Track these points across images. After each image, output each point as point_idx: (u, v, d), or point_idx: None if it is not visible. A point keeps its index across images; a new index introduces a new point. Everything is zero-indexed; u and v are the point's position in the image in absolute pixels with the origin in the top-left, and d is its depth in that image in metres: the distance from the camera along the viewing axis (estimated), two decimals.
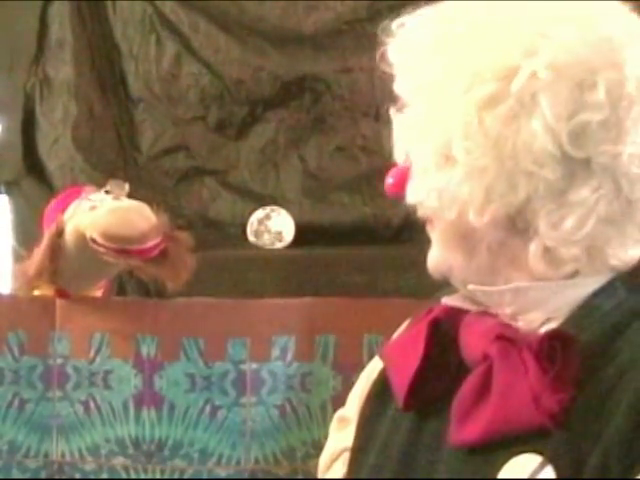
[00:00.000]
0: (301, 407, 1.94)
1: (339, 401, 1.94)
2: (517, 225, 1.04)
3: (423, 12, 1.09)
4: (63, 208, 2.02)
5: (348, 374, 1.94)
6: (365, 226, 3.48)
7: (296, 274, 3.27)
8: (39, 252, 1.98)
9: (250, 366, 1.94)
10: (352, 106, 3.52)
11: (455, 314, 1.11)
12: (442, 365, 1.10)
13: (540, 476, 0.98)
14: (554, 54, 1.00)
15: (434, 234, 1.11)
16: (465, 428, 1.03)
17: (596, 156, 1.00)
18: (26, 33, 3.55)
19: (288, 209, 3.48)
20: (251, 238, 3.47)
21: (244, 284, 3.24)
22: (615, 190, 1.01)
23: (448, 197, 1.04)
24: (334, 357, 1.95)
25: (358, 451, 1.20)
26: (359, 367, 1.93)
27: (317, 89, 3.57)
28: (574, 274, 1.05)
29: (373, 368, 1.27)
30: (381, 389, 1.19)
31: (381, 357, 1.21)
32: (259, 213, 3.48)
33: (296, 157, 3.58)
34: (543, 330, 1.04)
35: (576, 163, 1.01)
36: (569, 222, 1.01)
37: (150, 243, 1.92)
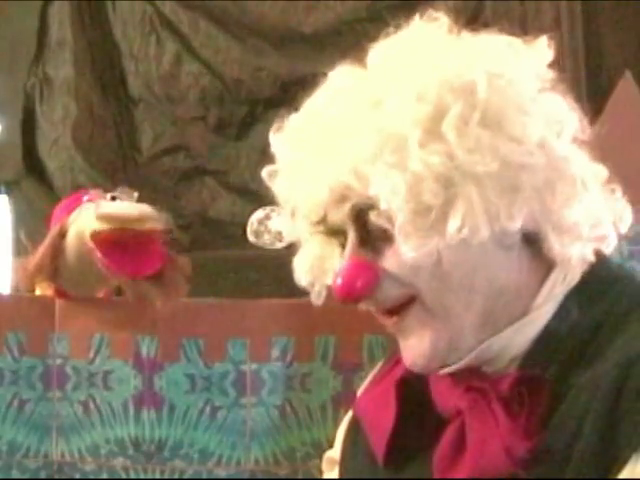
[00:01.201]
0: (301, 407, 1.94)
1: (339, 401, 1.94)
2: (509, 235, 1.04)
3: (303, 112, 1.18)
4: (70, 211, 2.02)
5: (348, 374, 1.94)
6: None
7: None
8: (41, 250, 1.98)
9: (250, 366, 1.94)
10: None
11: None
12: (418, 419, 1.11)
13: None
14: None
15: (422, 308, 1.07)
16: None
17: None
18: (26, 33, 3.55)
19: None
20: (251, 238, 3.46)
21: (244, 284, 3.24)
22: None
23: (468, 217, 1.03)
24: (334, 357, 1.95)
25: None
26: (359, 367, 1.94)
27: (317, 89, 3.57)
28: (528, 307, 1.06)
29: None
30: (354, 431, 1.21)
31: (354, 411, 1.21)
32: (259, 213, 3.47)
33: None
34: (510, 370, 1.05)
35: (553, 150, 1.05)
36: (568, 191, 1.05)
37: (148, 225, 1.90)
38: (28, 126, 3.57)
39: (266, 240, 3.72)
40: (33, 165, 3.57)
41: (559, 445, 1.00)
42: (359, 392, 1.27)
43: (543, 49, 1.07)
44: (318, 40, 3.57)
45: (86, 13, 3.60)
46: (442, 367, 1.08)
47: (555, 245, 1.04)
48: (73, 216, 1.99)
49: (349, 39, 3.54)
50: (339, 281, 1.09)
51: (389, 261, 1.05)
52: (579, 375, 1.02)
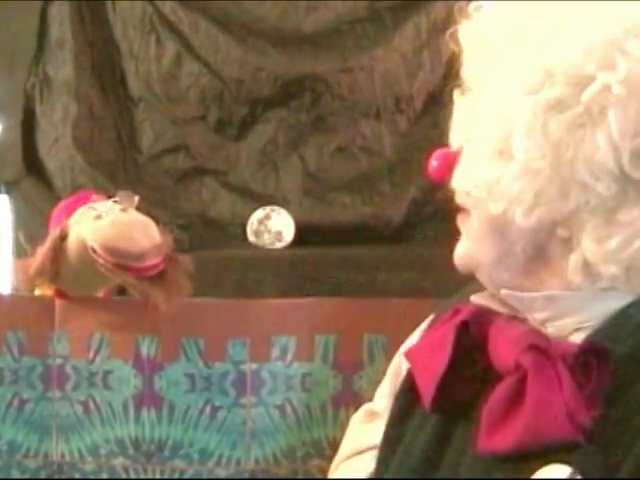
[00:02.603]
0: (301, 407, 1.94)
1: (339, 401, 1.95)
2: (559, 233, 1.03)
3: (503, 2, 1.07)
4: (69, 212, 2.02)
5: (348, 374, 1.94)
6: (365, 226, 3.48)
7: (296, 274, 3.26)
8: (41, 252, 1.98)
9: (250, 366, 1.94)
10: (352, 106, 3.52)
11: (483, 316, 1.10)
12: (469, 369, 1.09)
13: None
14: (630, 71, 0.98)
15: (468, 226, 1.09)
16: (495, 436, 1.02)
17: None
18: (26, 33, 3.55)
19: (288, 209, 3.48)
20: (251, 238, 3.46)
21: (244, 284, 3.24)
22: None
23: (498, 192, 1.03)
24: (334, 357, 1.95)
25: (386, 449, 1.20)
26: (359, 367, 1.95)
27: (317, 89, 3.57)
28: (609, 288, 1.04)
29: (398, 364, 1.26)
30: (408, 388, 1.19)
31: (407, 358, 1.20)
32: (259, 213, 3.48)
33: (296, 157, 3.58)
34: (574, 338, 1.04)
35: (632, 183, 0.99)
36: (614, 241, 1.00)
37: (149, 262, 1.91)
38: (28, 126, 3.57)
39: (266, 240, 3.73)
40: (33, 165, 3.56)
41: (622, 425, 0.98)
42: (407, 345, 1.25)
43: None
44: (318, 40, 3.57)
45: (86, 13, 3.60)
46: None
47: (571, 272, 1.04)
48: (74, 219, 2.00)
49: (349, 39, 3.54)
50: (433, 163, 1.12)
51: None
52: None
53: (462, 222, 1.11)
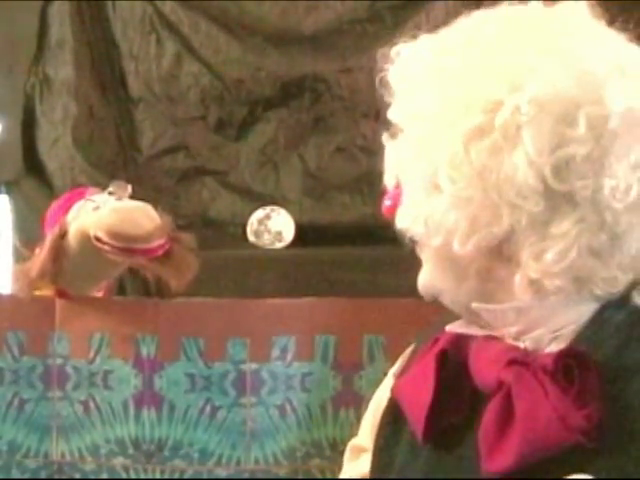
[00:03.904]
0: (301, 407, 1.94)
1: (339, 401, 1.95)
2: (503, 253, 1.05)
3: (420, 41, 1.11)
4: (66, 210, 2.02)
5: (348, 374, 1.94)
6: (365, 226, 3.48)
7: (296, 274, 3.26)
8: (41, 254, 1.97)
9: (250, 366, 1.94)
10: (352, 106, 3.52)
11: (461, 341, 1.11)
12: (456, 395, 1.10)
13: None
14: (537, 89, 1.00)
15: (424, 257, 1.12)
16: (495, 458, 1.02)
17: (579, 190, 1.00)
18: (26, 33, 3.55)
19: (288, 209, 3.48)
20: (251, 238, 3.46)
21: (244, 284, 3.24)
22: (599, 223, 1.01)
23: (434, 225, 1.05)
24: (334, 357, 1.95)
25: (379, 474, 1.20)
26: (359, 367, 1.95)
27: (317, 89, 3.57)
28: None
29: (381, 397, 1.27)
30: (393, 418, 1.19)
31: (392, 393, 1.21)
32: (259, 213, 3.48)
33: (296, 157, 3.58)
34: (552, 348, 1.04)
35: (559, 196, 1.01)
36: (550, 254, 1.01)
37: (155, 243, 1.92)
38: (28, 126, 3.57)
39: (266, 240, 3.73)
40: (33, 165, 3.56)
41: (625, 429, 0.98)
42: (391, 376, 1.26)
43: None
44: (318, 40, 3.57)
45: (86, 13, 3.59)
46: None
47: (518, 289, 1.05)
48: (71, 214, 1.99)
49: (349, 39, 3.54)
50: (386, 202, 1.15)
51: None
52: (630, 357, 1.01)
53: (419, 253, 1.13)
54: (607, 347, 1.02)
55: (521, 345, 1.06)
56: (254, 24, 3.59)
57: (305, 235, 3.45)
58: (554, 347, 1.04)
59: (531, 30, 1.05)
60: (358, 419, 1.71)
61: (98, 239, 1.90)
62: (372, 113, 3.47)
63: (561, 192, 1.00)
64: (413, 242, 1.14)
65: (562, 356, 1.01)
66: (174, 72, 3.60)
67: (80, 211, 1.99)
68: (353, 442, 1.35)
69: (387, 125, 1.13)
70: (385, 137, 1.13)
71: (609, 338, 1.03)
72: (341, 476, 1.38)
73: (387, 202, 1.15)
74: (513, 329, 1.07)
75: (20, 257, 2.06)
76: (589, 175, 1.00)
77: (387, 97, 1.13)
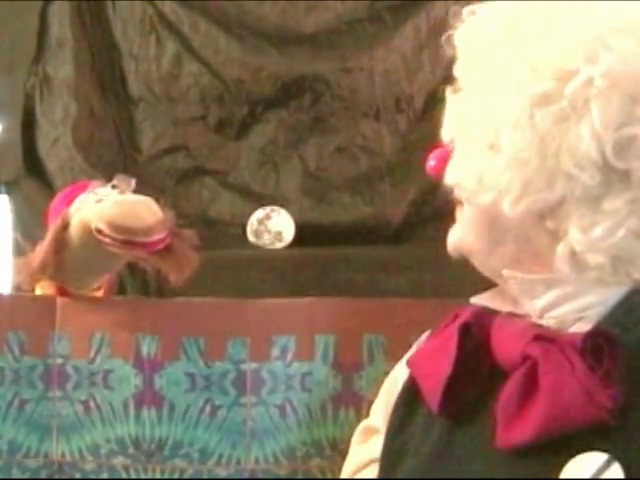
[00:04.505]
0: (301, 407, 1.94)
1: (339, 401, 1.95)
2: (547, 223, 1.05)
3: (495, 3, 1.11)
4: (69, 202, 2.02)
5: (348, 374, 1.94)
6: (365, 226, 3.48)
7: (296, 274, 3.27)
8: (43, 246, 1.97)
9: (250, 366, 1.94)
10: (352, 106, 3.52)
11: (483, 317, 1.12)
12: (474, 369, 1.10)
13: (607, 474, 0.97)
14: (612, 64, 1.01)
15: (463, 216, 1.13)
16: (513, 430, 1.02)
17: (636, 170, 1.02)
18: (26, 33, 3.55)
19: (288, 209, 3.48)
20: (251, 238, 3.47)
21: (244, 284, 3.24)
22: None
23: (487, 183, 1.06)
24: (334, 357, 1.95)
25: (391, 458, 1.20)
26: (359, 367, 1.95)
27: (317, 89, 3.57)
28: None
29: (395, 378, 1.27)
30: (408, 398, 1.19)
31: (409, 366, 1.21)
32: (259, 213, 3.48)
33: (296, 157, 3.58)
34: (575, 329, 1.04)
35: (616, 173, 1.02)
36: (599, 229, 1.02)
37: (156, 237, 1.92)
38: (28, 126, 3.57)
39: (266, 240, 3.72)
40: (33, 165, 3.56)
41: None
42: (410, 354, 1.26)
43: None
44: (318, 40, 3.57)
45: (86, 13, 3.60)
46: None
47: (559, 261, 1.06)
48: (74, 207, 2.00)
49: (349, 39, 3.54)
50: (431, 162, 1.16)
51: None
52: None
53: (459, 212, 1.15)
54: (634, 332, 1.02)
55: (544, 324, 1.06)
56: (254, 24, 3.59)
57: (305, 235, 3.46)
58: (578, 328, 1.04)
59: (608, 5, 1.06)
60: (358, 419, 1.72)
61: (99, 231, 1.90)
62: (372, 113, 3.48)
63: (618, 170, 1.02)
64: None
65: (592, 335, 1.01)
66: (174, 72, 3.61)
67: (83, 203, 1.99)
68: (364, 423, 1.35)
69: (450, 80, 1.13)
70: (448, 92, 1.14)
71: (635, 325, 1.03)
72: (348, 458, 1.37)
73: (432, 161, 1.15)
74: (539, 304, 1.07)
75: (21, 253, 2.06)
76: None
77: (450, 52, 1.14)
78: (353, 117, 3.54)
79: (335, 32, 3.56)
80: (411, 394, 1.18)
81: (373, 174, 3.47)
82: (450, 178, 1.11)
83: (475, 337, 1.10)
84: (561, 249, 1.04)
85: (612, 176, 1.01)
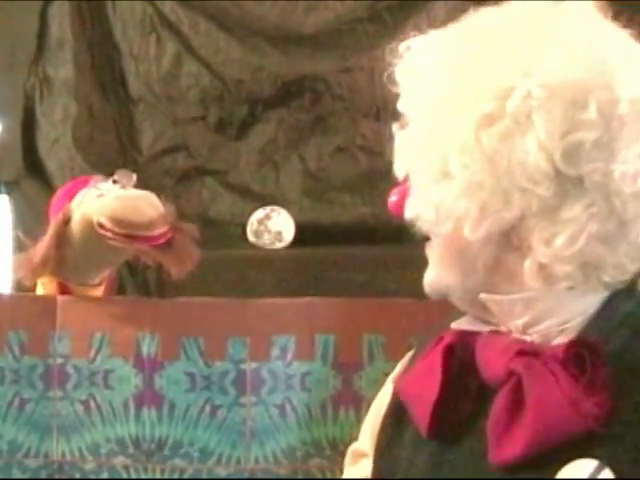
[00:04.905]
0: (301, 407, 1.94)
1: (339, 401, 1.95)
2: (512, 241, 1.06)
3: (429, 35, 1.12)
4: (70, 197, 2.02)
5: (348, 374, 1.94)
6: (365, 226, 3.49)
7: (296, 274, 3.27)
8: (45, 241, 1.98)
9: (250, 366, 1.94)
10: (352, 106, 3.53)
11: (466, 338, 1.12)
12: (462, 389, 1.10)
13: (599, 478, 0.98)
14: (548, 74, 1.02)
15: (431, 253, 1.13)
16: (505, 447, 1.02)
17: (589, 174, 1.02)
18: (26, 33, 3.55)
19: (288, 209, 3.48)
20: (251, 238, 3.47)
21: (244, 284, 3.24)
22: (608, 209, 1.02)
23: (444, 211, 1.06)
24: (334, 357, 1.95)
25: (380, 474, 1.20)
26: (359, 367, 1.95)
27: (317, 89, 3.57)
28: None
29: (381, 402, 1.27)
30: (395, 419, 1.19)
31: (396, 391, 1.21)
32: (259, 213, 3.48)
33: (296, 157, 3.59)
34: (558, 342, 1.04)
35: (569, 181, 1.02)
36: (561, 239, 1.02)
37: (157, 231, 1.92)
38: (28, 126, 3.57)
39: (266, 240, 3.71)
40: (33, 165, 3.57)
41: (630, 410, 0.99)
42: (392, 378, 1.26)
43: None
44: (318, 40, 3.57)
45: (86, 13, 3.60)
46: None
47: (527, 275, 1.06)
48: (76, 201, 2.00)
49: (349, 39, 3.54)
50: (392, 198, 1.17)
51: None
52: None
53: (428, 251, 1.14)
54: (616, 338, 1.02)
55: (528, 339, 1.06)
56: (254, 24, 3.59)
57: (305, 235, 3.46)
58: (561, 340, 1.04)
59: (540, 23, 1.07)
60: (358, 419, 1.72)
61: (101, 225, 1.90)
62: (372, 113, 3.48)
63: (571, 177, 1.02)
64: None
65: (573, 345, 1.01)
66: (174, 72, 3.61)
67: (84, 198, 1.99)
68: (353, 447, 1.35)
69: (396, 117, 1.14)
70: (394, 128, 1.14)
71: (618, 329, 1.03)
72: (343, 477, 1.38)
73: (393, 197, 1.16)
74: (520, 322, 1.07)
75: (22, 250, 2.06)
76: (599, 160, 1.01)
77: (395, 90, 1.14)
78: (353, 117, 3.54)
79: (335, 32, 3.57)
80: (397, 415, 1.19)
81: (373, 174, 3.48)
82: (409, 212, 1.11)
83: (460, 358, 1.10)
84: (528, 264, 1.04)
85: (566, 184, 1.01)
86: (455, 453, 1.09)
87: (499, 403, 1.04)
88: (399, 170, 1.13)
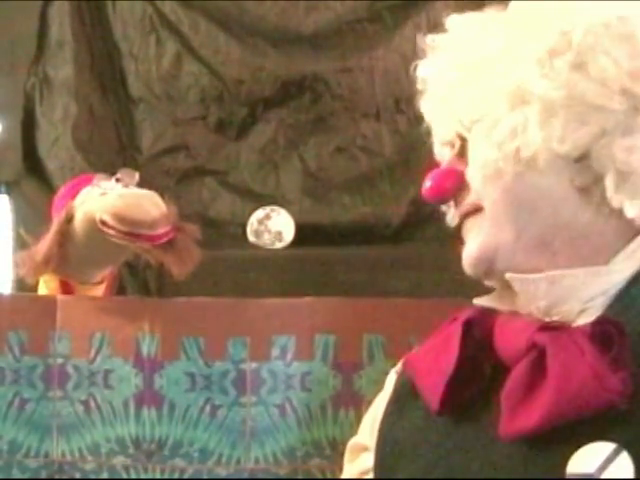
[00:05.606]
0: (301, 406, 1.94)
1: (339, 401, 1.95)
2: (590, 168, 1.07)
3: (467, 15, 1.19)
4: (73, 195, 2.03)
5: (348, 374, 1.94)
6: (365, 226, 3.49)
7: (296, 274, 3.27)
8: (47, 238, 1.98)
9: (250, 365, 1.94)
10: (352, 106, 3.53)
11: (486, 315, 1.11)
12: (476, 368, 1.09)
13: (615, 464, 0.96)
14: (598, 18, 1.10)
15: (479, 220, 1.13)
16: (518, 417, 1.01)
17: None
18: (26, 33, 3.55)
19: (288, 209, 3.48)
20: (251, 238, 3.47)
21: (244, 284, 3.24)
22: None
23: (526, 135, 1.08)
24: (334, 357, 1.95)
25: (385, 457, 1.19)
26: (359, 367, 1.95)
27: (317, 89, 3.57)
28: (608, 260, 1.07)
29: (383, 396, 1.27)
30: (400, 404, 1.19)
31: (406, 366, 1.20)
32: (259, 213, 3.48)
33: (296, 157, 3.59)
34: (579, 322, 1.04)
35: (638, 97, 1.07)
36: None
37: (160, 230, 1.92)
38: (28, 126, 3.57)
39: (266, 240, 3.71)
40: (33, 165, 3.57)
41: None
42: (393, 374, 1.26)
43: None
44: (318, 40, 3.57)
45: (86, 13, 3.60)
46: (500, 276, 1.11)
47: (610, 192, 1.07)
48: (78, 200, 2.00)
49: (349, 39, 3.54)
50: (427, 183, 1.16)
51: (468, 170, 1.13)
52: None
53: (471, 225, 1.14)
54: (632, 328, 1.02)
55: (548, 320, 1.07)
56: (254, 24, 3.59)
57: (305, 235, 3.46)
58: (582, 321, 1.04)
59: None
60: (358, 419, 1.72)
61: (104, 223, 1.90)
62: (372, 113, 3.48)
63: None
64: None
65: (601, 322, 1.01)
66: (174, 72, 3.61)
67: (87, 197, 1.99)
68: (352, 442, 1.35)
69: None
70: (429, 106, 1.20)
71: (634, 319, 1.03)
72: (342, 476, 1.37)
73: (428, 182, 1.16)
74: (543, 303, 1.07)
75: (24, 248, 2.06)
76: None
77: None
78: (353, 117, 3.54)
79: (335, 32, 3.57)
80: (401, 399, 1.18)
81: (373, 174, 3.48)
82: (483, 154, 1.11)
83: (477, 336, 1.09)
84: (610, 179, 1.06)
85: (637, 100, 1.07)
86: (465, 431, 1.09)
87: (517, 373, 1.03)
88: (457, 127, 1.16)
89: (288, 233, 3.45)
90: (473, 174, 1.12)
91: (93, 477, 1.96)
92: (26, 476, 1.97)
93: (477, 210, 1.13)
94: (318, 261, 3.34)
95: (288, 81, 3.57)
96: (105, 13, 3.62)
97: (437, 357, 1.12)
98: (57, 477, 1.97)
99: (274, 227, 3.46)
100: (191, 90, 3.60)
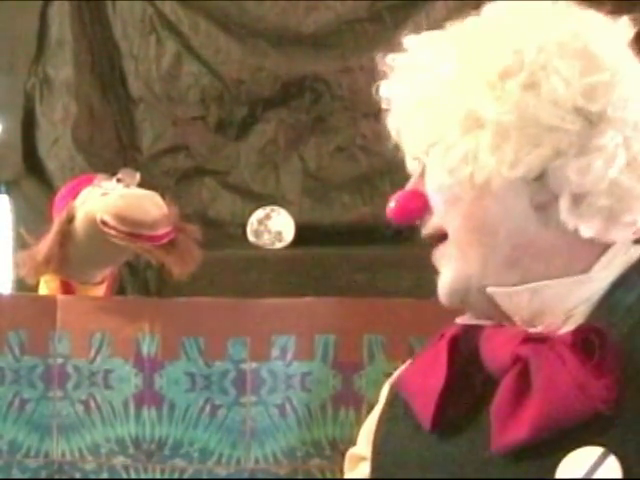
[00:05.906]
0: (301, 406, 1.94)
1: (339, 400, 1.95)
2: (546, 187, 1.07)
3: (422, 36, 1.19)
4: (74, 195, 2.03)
5: (348, 374, 1.94)
6: (365, 226, 3.48)
7: (296, 274, 3.27)
8: (48, 238, 1.98)
9: (250, 365, 1.94)
10: (352, 106, 3.52)
11: (470, 331, 1.12)
12: (466, 382, 1.10)
13: (603, 468, 0.97)
14: (551, 34, 1.09)
15: (445, 250, 1.12)
16: (509, 431, 1.02)
17: (608, 109, 1.07)
18: (26, 33, 3.55)
19: (288, 209, 3.48)
20: (251, 238, 3.47)
21: (244, 284, 3.24)
22: (631, 140, 1.07)
23: (479, 160, 1.07)
24: (334, 357, 1.95)
25: (380, 469, 1.20)
26: (359, 367, 1.95)
27: (317, 89, 3.57)
28: (587, 269, 1.07)
29: (378, 409, 1.27)
30: (392, 416, 1.19)
31: (396, 386, 1.20)
32: (259, 213, 3.48)
33: (296, 157, 3.59)
34: (563, 331, 1.05)
35: (593, 115, 1.06)
36: (597, 164, 1.05)
37: (161, 230, 1.93)
38: (28, 126, 3.57)
39: (266, 240, 3.72)
40: (33, 165, 3.56)
41: (635, 397, 0.99)
42: (396, 375, 1.26)
43: (624, 27, 1.13)
44: (318, 40, 3.57)
45: (86, 13, 3.60)
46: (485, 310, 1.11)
47: (564, 215, 1.07)
48: (79, 200, 2.00)
49: (349, 39, 3.54)
50: (391, 204, 1.16)
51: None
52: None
53: (440, 255, 1.14)
54: (619, 330, 1.03)
55: (533, 330, 1.07)
56: (254, 24, 3.59)
57: (305, 235, 3.46)
58: (566, 329, 1.05)
59: (530, 16, 1.13)
60: (358, 419, 1.72)
61: (104, 223, 1.90)
62: (372, 113, 3.47)
63: (593, 112, 1.06)
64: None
65: (581, 330, 1.02)
66: (174, 72, 3.61)
67: (88, 197, 1.99)
68: (351, 452, 1.35)
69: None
70: (390, 122, 1.17)
71: (620, 321, 1.03)
72: None
73: (392, 204, 1.16)
74: (526, 313, 1.07)
75: (24, 248, 2.06)
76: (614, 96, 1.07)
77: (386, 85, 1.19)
78: (353, 117, 3.54)
79: (335, 32, 3.56)
80: (393, 412, 1.18)
81: (373, 174, 3.48)
82: (441, 174, 1.11)
83: (464, 351, 1.10)
84: (563, 201, 1.06)
85: (590, 118, 1.06)
86: (456, 445, 1.09)
87: (504, 387, 1.03)
88: (416, 150, 1.15)
89: (288, 233, 3.45)
90: (432, 198, 1.13)
91: (93, 477, 1.96)
92: (26, 476, 1.97)
93: (443, 237, 1.13)
94: (318, 261, 3.34)
95: (288, 81, 3.57)
96: (105, 13, 3.62)
97: (426, 376, 1.12)
98: (57, 477, 1.97)
99: (274, 227, 3.46)
100: (191, 90, 3.60)
